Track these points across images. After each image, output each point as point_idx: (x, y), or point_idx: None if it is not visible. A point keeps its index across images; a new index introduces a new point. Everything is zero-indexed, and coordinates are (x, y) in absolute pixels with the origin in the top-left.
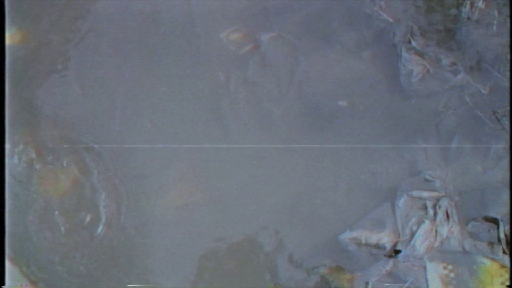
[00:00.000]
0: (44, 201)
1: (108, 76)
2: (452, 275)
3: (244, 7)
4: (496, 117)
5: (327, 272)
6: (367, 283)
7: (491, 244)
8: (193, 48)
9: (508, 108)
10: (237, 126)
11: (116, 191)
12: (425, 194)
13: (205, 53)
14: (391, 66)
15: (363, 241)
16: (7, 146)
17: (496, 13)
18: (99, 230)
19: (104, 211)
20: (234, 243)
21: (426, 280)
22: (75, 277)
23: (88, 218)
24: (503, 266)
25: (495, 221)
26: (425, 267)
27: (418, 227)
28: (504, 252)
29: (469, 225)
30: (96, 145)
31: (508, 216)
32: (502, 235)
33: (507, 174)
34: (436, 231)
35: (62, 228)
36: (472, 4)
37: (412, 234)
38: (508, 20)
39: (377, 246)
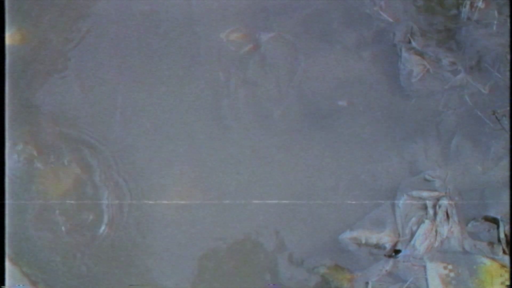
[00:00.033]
0: (45, 201)
1: (108, 76)
2: (452, 275)
3: (244, 7)
4: (496, 117)
5: (327, 272)
6: (367, 283)
7: (491, 244)
8: (193, 48)
9: (508, 108)
10: (237, 126)
11: (119, 190)
12: (425, 194)
13: (205, 53)
14: (391, 66)
15: (363, 241)
16: (7, 145)
17: (496, 13)
18: (101, 230)
19: (106, 211)
20: (234, 243)
21: (426, 280)
22: (75, 277)
23: (90, 218)
24: (503, 266)
25: (495, 221)
26: (425, 267)
27: (418, 227)
28: (504, 252)
29: (469, 225)
30: (97, 145)
31: (508, 216)
32: (502, 235)
33: (507, 174)
34: (436, 231)
35: (63, 228)
36: (472, 4)
37: (412, 234)
38: (508, 20)
39: (377, 246)
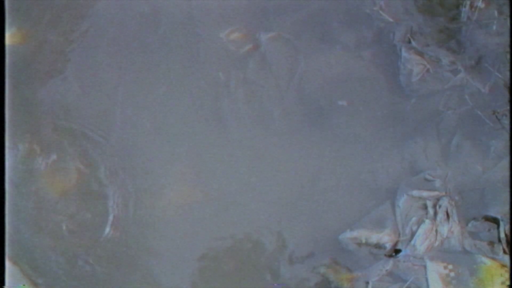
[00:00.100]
0: (45, 200)
1: (108, 76)
2: (452, 274)
3: (244, 7)
4: (496, 117)
5: (327, 272)
6: (367, 283)
7: (491, 243)
8: (193, 48)
9: (508, 107)
10: (237, 126)
11: (124, 189)
12: (425, 193)
13: (205, 53)
14: (391, 66)
15: (363, 241)
16: (8, 145)
17: (496, 13)
18: (105, 230)
19: (111, 211)
20: (234, 243)
21: (426, 280)
22: (75, 277)
23: (93, 217)
24: (503, 266)
25: (495, 221)
26: (425, 267)
27: (418, 227)
28: (504, 251)
29: (469, 225)
30: (99, 144)
31: (508, 216)
32: (502, 235)
33: (507, 174)
34: (436, 231)
35: (64, 228)
36: (472, 4)
37: (412, 234)
38: (508, 20)
39: (377, 246)
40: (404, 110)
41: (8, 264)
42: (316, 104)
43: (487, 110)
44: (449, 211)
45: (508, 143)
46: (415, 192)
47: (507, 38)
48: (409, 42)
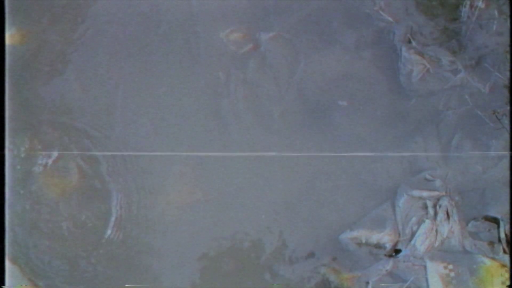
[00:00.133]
0: (45, 200)
1: (108, 76)
2: (452, 274)
3: (244, 7)
4: (496, 117)
5: (327, 272)
6: (367, 282)
7: (491, 243)
8: (193, 48)
9: (508, 107)
10: (237, 125)
11: (127, 189)
12: (425, 193)
13: (205, 53)
14: (391, 66)
15: (363, 241)
16: (8, 145)
17: (496, 12)
18: (108, 232)
19: (115, 211)
20: (234, 243)
21: (427, 280)
22: (75, 276)
23: (96, 216)
24: (503, 266)
25: (495, 221)
26: (425, 267)
27: (419, 227)
28: (504, 251)
29: (470, 225)
30: (97, 150)
31: (508, 216)
32: (502, 235)
33: (507, 174)
34: (436, 231)
35: (65, 228)
36: (472, 4)
37: (413, 234)
38: (508, 20)
39: (378, 246)
40: (404, 110)
41: (8, 264)
42: (316, 104)
43: (487, 110)
44: (449, 211)
45: (508, 143)
46: (415, 192)
47: (507, 38)
48: (409, 42)
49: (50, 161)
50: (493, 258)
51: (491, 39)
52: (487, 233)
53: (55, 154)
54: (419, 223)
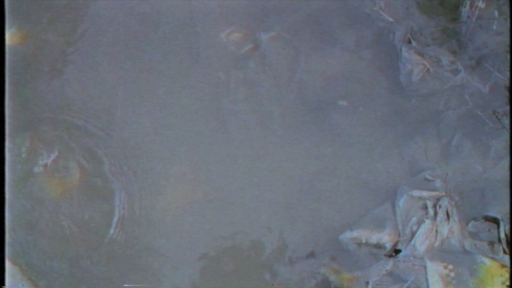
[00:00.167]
0: (45, 200)
1: (108, 76)
2: (452, 274)
3: (244, 7)
4: (497, 117)
5: (327, 272)
6: (367, 283)
7: (491, 243)
8: (193, 48)
9: (508, 107)
10: (237, 125)
11: (129, 188)
12: (425, 193)
13: (205, 53)
14: (391, 66)
15: (363, 241)
16: (8, 145)
17: (496, 12)
18: (111, 231)
19: (118, 210)
20: (234, 243)
21: (426, 280)
22: (75, 276)
23: (98, 216)
24: (503, 266)
25: (495, 221)
26: (425, 267)
27: (419, 227)
28: (504, 251)
29: (470, 225)
30: (98, 148)
31: (508, 216)
32: (502, 235)
33: (507, 174)
34: (436, 231)
35: (66, 227)
36: (472, 4)
37: (413, 234)
38: (508, 20)
39: (377, 246)
40: (404, 110)
41: (8, 264)
42: (316, 104)
43: (487, 110)
44: (449, 211)
45: (508, 143)
46: (415, 192)
47: (507, 38)
48: (409, 42)
49: (51, 160)
50: (493, 258)
51: (491, 39)
52: (487, 233)
53: (56, 153)
54: (419, 223)
